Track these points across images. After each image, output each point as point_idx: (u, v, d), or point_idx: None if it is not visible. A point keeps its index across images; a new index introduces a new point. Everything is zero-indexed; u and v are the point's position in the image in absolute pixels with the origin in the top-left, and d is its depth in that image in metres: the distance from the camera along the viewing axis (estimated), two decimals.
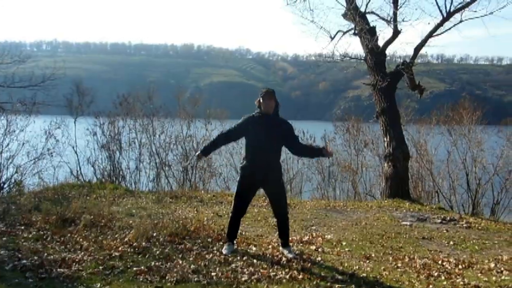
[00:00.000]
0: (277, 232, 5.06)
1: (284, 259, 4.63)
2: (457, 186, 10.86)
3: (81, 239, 4.89)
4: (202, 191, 10.20)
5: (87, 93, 11.24)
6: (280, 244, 5.00)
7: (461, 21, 8.95)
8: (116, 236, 5.14)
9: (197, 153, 5.14)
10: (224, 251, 4.72)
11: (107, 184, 9.66)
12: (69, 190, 8.48)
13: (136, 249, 4.65)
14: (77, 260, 4.18)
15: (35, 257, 4.15)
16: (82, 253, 4.43)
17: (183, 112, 11.93)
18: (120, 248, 4.62)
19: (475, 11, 8.78)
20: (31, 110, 9.79)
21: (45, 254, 4.30)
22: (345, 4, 10.11)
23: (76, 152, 10.82)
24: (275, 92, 4.78)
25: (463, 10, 8.85)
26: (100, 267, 4.06)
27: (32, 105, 9.69)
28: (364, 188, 11.82)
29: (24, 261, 4.04)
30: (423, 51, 9.60)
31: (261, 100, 4.69)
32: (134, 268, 4.07)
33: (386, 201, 9.20)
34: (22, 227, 5.34)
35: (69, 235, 5.05)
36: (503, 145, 10.55)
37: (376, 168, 11.85)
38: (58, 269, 3.92)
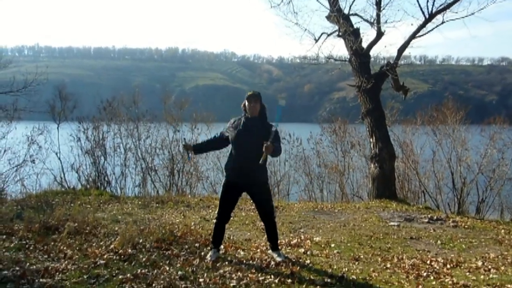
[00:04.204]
0: (265, 236, 5.01)
1: (273, 263, 4.58)
2: (442, 185, 10.95)
3: (64, 248, 4.77)
4: (189, 196, 10.12)
5: (70, 98, 11.04)
6: (268, 247, 4.95)
7: (443, 22, 9.09)
8: (101, 243, 5.03)
9: (187, 143, 4.90)
10: (208, 258, 4.63)
11: (92, 190, 9.50)
12: (53, 197, 8.32)
13: (122, 256, 4.55)
14: (60, 269, 4.06)
15: (17, 268, 4.02)
16: (66, 261, 4.31)
17: (169, 116, 11.81)
18: (105, 256, 4.51)
19: (456, 12, 8.94)
20: (12, 117, 9.58)
21: (27, 264, 4.17)
22: (328, 6, 10.17)
23: (59, 159, 10.61)
24: (260, 95, 4.72)
25: (444, 11, 8.97)
26: (85, 276, 3.94)
27: (13, 111, 9.48)
28: (351, 189, 11.86)
29: (5, 271, 3.90)
30: (406, 52, 9.69)
31: (246, 103, 4.64)
32: (120, 276, 3.97)
33: (373, 201, 9.24)
34: (4, 237, 5.17)
35: (52, 243, 4.92)
36: (487, 144, 10.67)
37: (363, 169, 11.90)
38: (41, 279, 3.79)
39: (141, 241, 5.07)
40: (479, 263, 4.91)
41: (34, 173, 9.81)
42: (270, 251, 4.88)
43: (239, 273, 4.21)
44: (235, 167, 4.62)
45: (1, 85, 9.20)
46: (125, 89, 15.39)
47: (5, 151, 9.41)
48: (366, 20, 9.88)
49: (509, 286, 4.15)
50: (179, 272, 4.14)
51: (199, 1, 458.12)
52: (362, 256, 5.11)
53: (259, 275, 4.20)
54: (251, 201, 8.08)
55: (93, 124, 11.05)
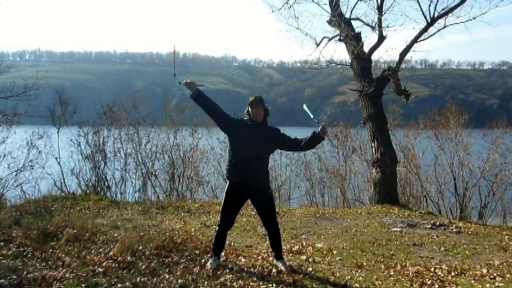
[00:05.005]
0: (267, 242, 4.92)
1: (274, 270, 4.49)
2: (444, 190, 10.87)
3: (63, 255, 4.69)
4: (190, 201, 10.04)
5: (70, 103, 10.99)
6: (272, 255, 4.85)
7: (445, 26, 9.04)
8: (100, 250, 4.96)
9: (192, 83, 4.52)
10: (208, 265, 4.54)
11: (91, 195, 9.44)
12: (52, 203, 8.25)
13: (121, 264, 4.47)
14: (58, 277, 3.99)
15: (14, 276, 3.94)
16: (64, 270, 4.24)
17: (170, 121, 11.75)
18: (104, 264, 4.43)
19: (458, 17, 8.88)
20: (12, 121, 9.53)
21: (25, 272, 4.09)
22: (330, 11, 10.12)
23: (59, 163, 10.55)
24: (262, 99, 4.65)
25: (446, 16, 8.92)
26: (83, 285, 3.87)
27: (13, 116, 9.43)
28: (352, 194, 11.77)
29: (2, 280, 3.83)
30: (407, 56, 9.63)
31: (249, 109, 4.59)
32: (119, 285, 3.90)
33: (375, 207, 9.16)
34: (1, 244, 5.09)
35: (50, 250, 4.84)
36: (489, 148, 10.60)
37: (364, 173, 11.82)
38: None
39: (140, 248, 4.99)
40: (484, 271, 4.83)
41: (34, 178, 9.74)
42: (274, 261, 4.76)
43: (240, 281, 4.14)
44: (238, 172, 4.53)
45: (1, 90, 9.15)
46: (126, 93, 15.31)
47: (4, 156, 9.34)
48: (368, 25, 9.84)
49: None
50: (179, 280, 4.07)
51: (200, 6, 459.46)
52: (365, 263, 5.03)
53: (261, 283, 4.13)
54: (252, 206, 8.02)
55: (93, 128, 11.00)
